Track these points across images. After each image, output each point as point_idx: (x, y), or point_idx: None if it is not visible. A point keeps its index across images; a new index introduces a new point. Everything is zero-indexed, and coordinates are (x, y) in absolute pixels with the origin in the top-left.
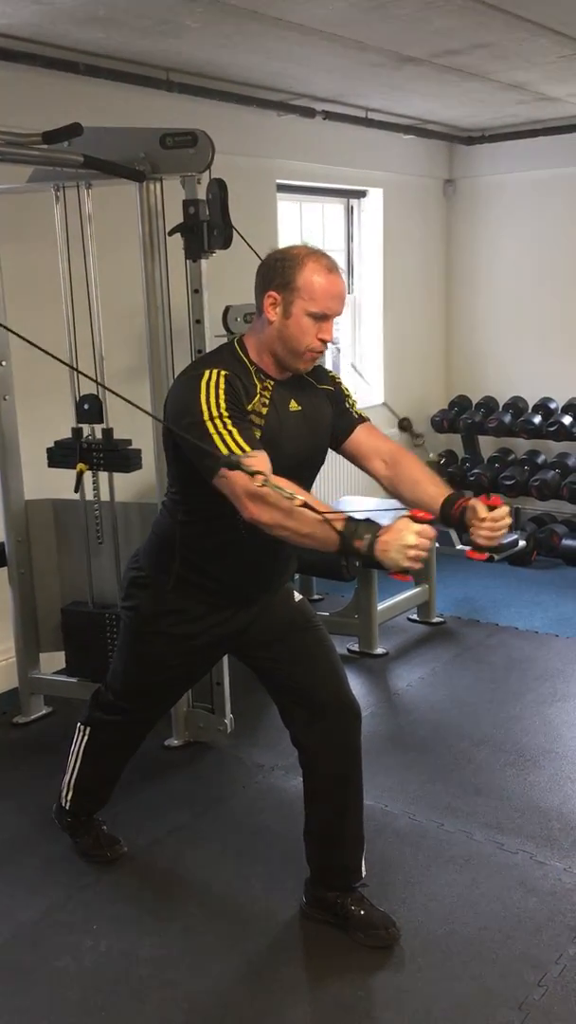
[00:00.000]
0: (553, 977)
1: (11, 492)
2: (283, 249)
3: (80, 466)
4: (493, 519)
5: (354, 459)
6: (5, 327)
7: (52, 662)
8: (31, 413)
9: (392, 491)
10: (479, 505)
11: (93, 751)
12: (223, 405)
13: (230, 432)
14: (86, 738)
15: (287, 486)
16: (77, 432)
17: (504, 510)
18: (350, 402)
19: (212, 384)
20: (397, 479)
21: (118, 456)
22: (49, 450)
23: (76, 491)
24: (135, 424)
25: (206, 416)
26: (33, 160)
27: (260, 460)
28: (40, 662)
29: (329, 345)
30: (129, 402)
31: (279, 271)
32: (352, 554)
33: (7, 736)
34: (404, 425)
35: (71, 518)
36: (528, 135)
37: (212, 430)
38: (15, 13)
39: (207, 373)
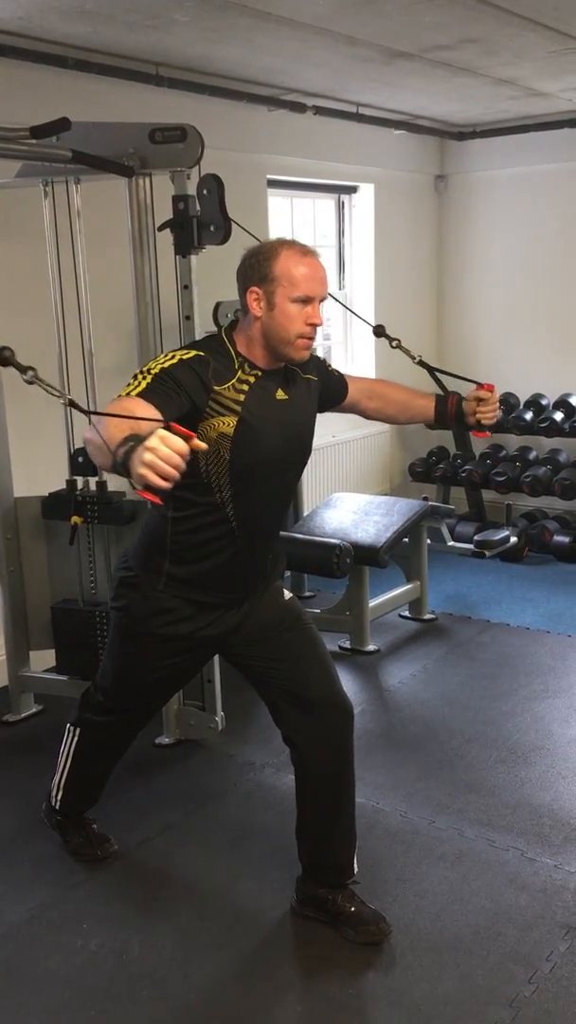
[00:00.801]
0: (544, 974)
1: (1, 490)
2: (256, 246)
3: (75, 519)
4: (492, 400)
5: (347, 408)
6: None
7: (42, 660)
8: (19, 409)
9: (382, 418)
10: (480, 392)
11: (83, 751)
12: (163, 367)
13: (138, 384)
14: (76, 739)
15: (117, 408)
16: (71, 484)
17: (495, 393)
18: (331, 368)
19: (176, 354)
20: (386, 406)
21: (112, 509)
22: (43, 501)
23: (71, 544)
24: None
25: (141, 368)
26: (21, 155)
27: (133, 403)
28: (30, 660)
29: (318, 329)
30: (129, 418)
31: (255, 266)
32: (121, 466)
33: None
34: (379, 331)
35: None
36: (519, 130)
37: (131, 380)
38: (2, 7)
39: (183, 349)
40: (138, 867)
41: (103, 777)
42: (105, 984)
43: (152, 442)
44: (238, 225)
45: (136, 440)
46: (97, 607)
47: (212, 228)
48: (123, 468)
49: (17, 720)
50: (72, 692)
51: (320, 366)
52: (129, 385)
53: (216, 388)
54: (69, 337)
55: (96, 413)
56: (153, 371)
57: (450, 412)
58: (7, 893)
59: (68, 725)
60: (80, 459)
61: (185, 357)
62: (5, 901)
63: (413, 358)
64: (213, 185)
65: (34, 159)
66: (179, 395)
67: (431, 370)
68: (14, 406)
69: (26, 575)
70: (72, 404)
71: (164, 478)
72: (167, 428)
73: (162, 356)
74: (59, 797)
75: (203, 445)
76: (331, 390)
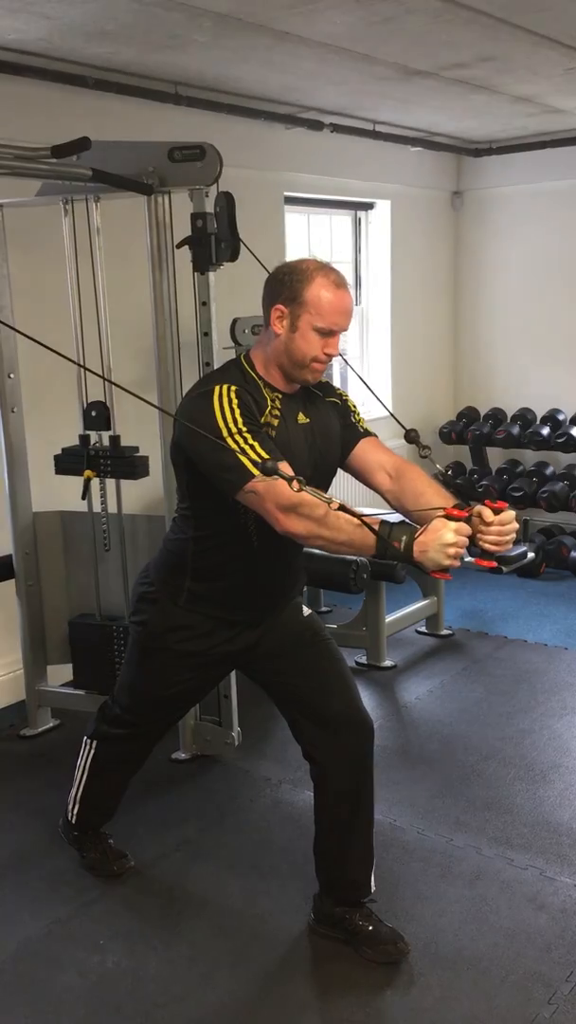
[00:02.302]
0: (563, 995)
1: (19, 504)
2: (291, 263)
3: (87, 473)
4: (500, 523)
5: (358, 474)
6: (14, 329)
7: (59, 674)
8: (39, 424)
9: (396, 504)
10: (485, 510)
11: (99, 765)
12: (240, 420)
13: (252, 446)
14: (92, 752)
15: (319, 492)
16: (84, 439)
17: (511, 514)
18: (356, 417)
19: (225, 399)
20: (401, 492)
21: (125, 463)
22: (56, 457)
23: (83, 498)
24: (142, 434)
25: (225, 432)
26: (42, 174)
27: (285, 469)
28: (47, 674)
29: (335, 358)
30: (139, 396)
31: (287, 285)
32: (390, 556)
33: (14, 748)
34: (411, 437)
35: (78, 530)
36: (536, 147)
37: (233, 445)
38: (25, 28)
39: (217, 389)
40: (154, 883)
41: (119, 791)
42: (121, 1001)
43: (449, 537)
44: (243, 244)
45: (406, 532)
46: (114, 621)
47: (223, 245)
48: (399, 558)
49: (34, 734)
50: (89, 706)
51: (345, 401)
52: (239, 454)
53: (262, 421)
54: (88, 353)
55: (352, 511)
56: (241, 427)
57: None
58: (24, 908)
59: (85, 738)
60: (93, 413)
61: (235, 400)
62: (22, 916)
63: (438, 476)
64: (224, 202)
65: (55, 178)
66: (264, 431)
67: (446, 484)
68: (28, 377)
69: (44, 590)
70: (342, 508)
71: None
72: (447, 516)
73: (218, 410)
74: (76, 811)
75: (470, 530)
76: (345, 430)
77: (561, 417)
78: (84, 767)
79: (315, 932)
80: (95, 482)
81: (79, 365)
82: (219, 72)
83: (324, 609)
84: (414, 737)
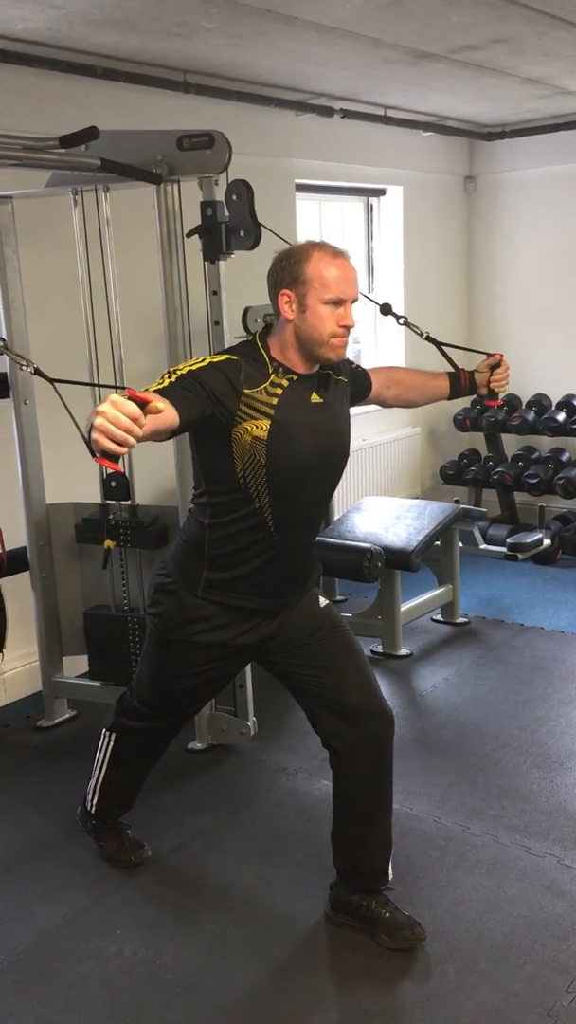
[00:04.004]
0: None
1: (33, 497)
2: (286, 249)
3: (108, 543)
4: (502, 368)
5: (373, 400)
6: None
7: (75, 666)
8: (52, 417)
9: (402, 403)
10: (490, 360)
11: (118, 756)
12: (190, 369)
13: (162, 382)
14: (111, 743)
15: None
16: (104, 509)
17: (504, 361)
18: (355, 365)
19: (206, 358)
20: (405, 392)
21: (145, 533)
22: (77, 527)
23: (104, 567)
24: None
25: (169, 368)
26: (51, 164)
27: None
28: (63, 666)
29: (350, 331)
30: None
31: (287, 269)
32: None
33: (31, 740)
34: (385, 308)
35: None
36: (549, 130)
37: (159, 378)
38: (32, 17)
39: (216, 355)
40: (171, 873)
41: (138, 782)
42: (138, 990)
43: (103, 407)
44: (268, 230)
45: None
46: (129, 613)
47: (242, 233)
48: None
49: (51, 726)
50: (105, 697)
51: (347, 366)
52: (155, 383)
53: (247, 391)
54: (99, 344)
55: (61, 381)
56: (180, 372)
57: (464, 385)
58: (42, 898)
59: (104, 730)
60: (113, 483)
61: (216, 360)
62: (40, 906)
63: (420, 334)
64: (243, 190)
65: (63, 168)
66: (202, 397)
67: (439, 345)
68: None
69: (59, 581)
70: (37, 372)
71: (119, 443)
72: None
73: (194, 359)
74: (94, 801)
75: (160, 407)
76: (358, 386)
77: None
78: (103, 758)
79: (332, 921)
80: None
81: (30, 369)
82: (228, 59)
83: (339, 598)
84: (430, 726)
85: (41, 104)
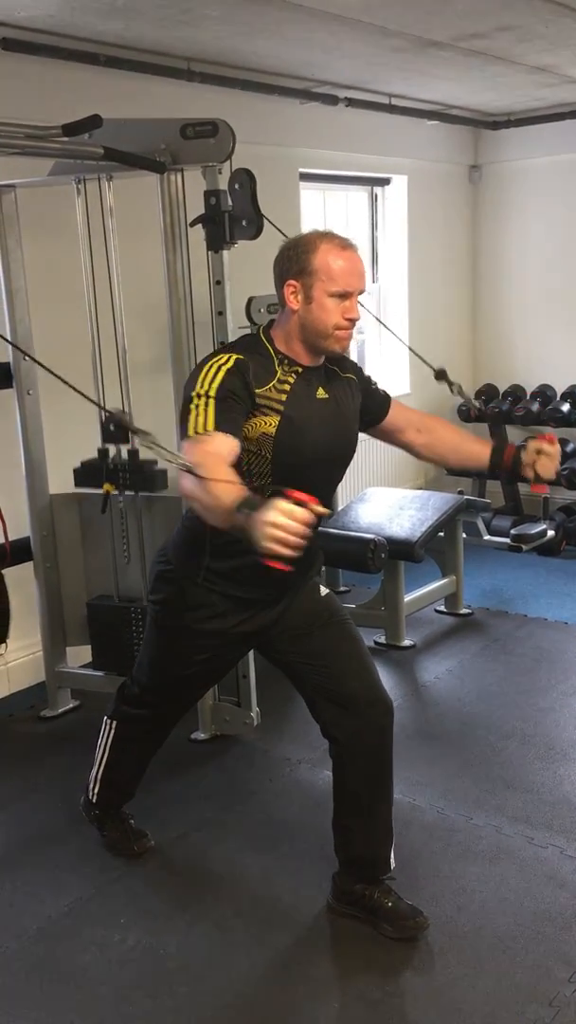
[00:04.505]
0: None
1: (36, 486)
2: (294, 238)
3: (107, 487)
4: (554, 449)
5: (389, 435)
6: (24, 353)
7: (78, 656)
8: (55, 407)
9: (432, 456)
10: (541, 443)
11: (120, 745)
12: (213, 385)
13: (205, 411)
14: (113, 732)
15: (215, 466)
16: (103, 453)
17: (556, 445)
18: (375, 384)
19: (216, 365)
20: (436, 443)
21: (144, 477)
22: (76, 471)
23: (103, 512)
24: (157, 414)
25: (195, 392)
26: (54, 153)
27: (217, 441)
28: (67, 656)
29: (356, 324)
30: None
31: (294, 259)
32: (237, 527)
33: (35, 730)
34: (440, 374)
35: (96, 512)
36: (555, 118)
37: (192, 407)
38: (35, 5)
39: (221, 356)
40: (174, 863)
41: (140, 770)
42: (141, 979)
43: (274, 516)
44: (268, 221)
45: (250, 506)
46: (132, 603)
47: (244, 223)
48: (244, 536)
49: (54, 716)
50: (108, 687)
51: (359, 372)
52: (192, 414)
53: (258, 391)
54: (102, 333)
55: (203, 477)
56: (210, 394)
57: (507, 463)
58: (45, 887)
59: (105, 718)
60: (111, 426)
61: (227, 366)
62: (43, 895)
63: (471, 407)
64: (245, 179)
65: (66, 157)
66: (238, 411)
67: (492, 422)
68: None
69: (62, 571)
70: (188, 470)
71: (292, 547)
72: (284, 496)
73: (205, 370)
74: (96, 791)
75: (325, 511)
76: (370, 404)
77: None
78: (105, 747)
79: (334, 911)
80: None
81: (97, 404)
82: (232, 47)
83: (343, 589)
84: (433, 716)
85: (44, 92)
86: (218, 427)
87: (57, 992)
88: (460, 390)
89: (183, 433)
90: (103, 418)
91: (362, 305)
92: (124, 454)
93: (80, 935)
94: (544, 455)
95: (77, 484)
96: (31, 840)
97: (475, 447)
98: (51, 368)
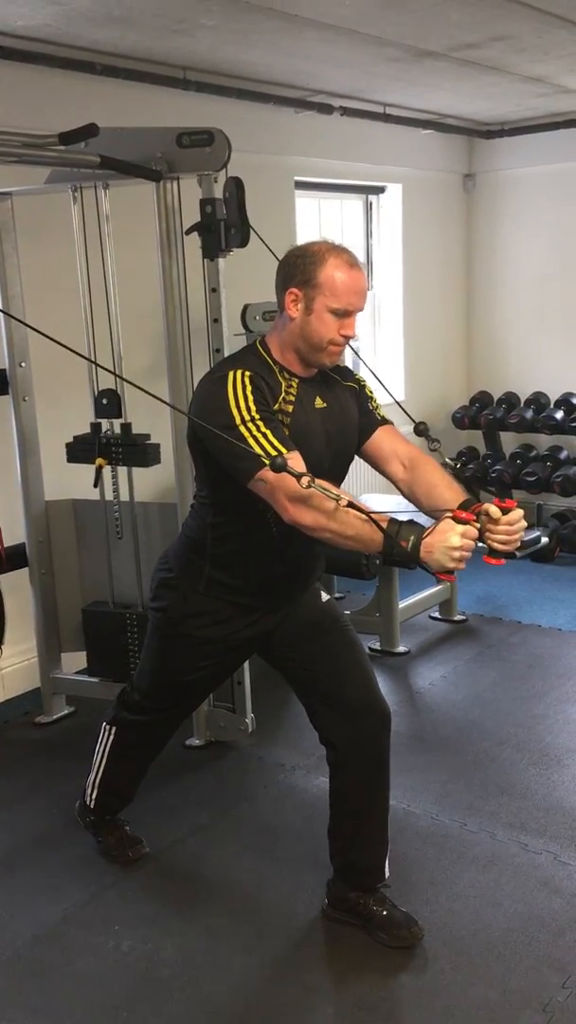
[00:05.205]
0: None
1: (31, 493)
2: (303, 245)
3: (99, 461)
4: (508, 522)
5: (373, 461)
6: (25, 324)
7: (74, 662)
8: (51, 414)
9: (408, 494)
10: (492, 508)
11: (118, 750)
12: (253, 408)
13: (264, 434)
14: (111, 737)
15: (329, 487)
16: (96, 427)
17: (519, 513)
18: (373, 404)
19: (239, 385)
20: (414, 482)
21: (137, 451)
22: (68, 445)
23: (95, 486)
24: (153, 421)
25: (238, 420)
26: (50, 161)
27: (296, 461)
28: (62, 662)
29: (350, 341)
30: (150, 394)
31: (300, 268)
32: (396, 555)
33: (30, 736)
34: (420, 430)
35: (91, 518)
36: (548, 128)
37: (246, 433)
38: (32, 14)
39: (231, 375)
40: (169, 869)
41: (138, 776)
42: (136, 985)
43: (455, 540)
44: (253, 231)
45: (413, 532)
46: (127, 609)
47: (232, 231)
48: (405, 557)
49: (49, 722)
50: (103, 694)
51: (362, 387)
52: (251, 441)
53: (275, 407)
54: (98, 341)
55: (368, 513)
56: (255, 416)
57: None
58: (40, 894)
59: (104, 724)
60: (104, 401)
61: (249, 387)
62: (38, 901)
63: (452, 465)
64: (233, 188)
65: (63, 165)
66: (277, 419)
67: (463, 480)
68: (40, 366)
69: (57, 577)
70: (369, 517)
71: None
72: (454, 519)
73: (231, 396)
74: (94, 796)
75: (477, 525)
76: (361, 421)
77: (575, 401)
78: (103, 753)
79: (329, 917)
80: (107, 470)
81: (89, 360)
82: (227, 56)
83: (337, 595)
84: (428, 723)
85: (40, 101)
86: (284, 445)
87: (51, 998)
88: (439, 448)
89: (238, 467)
90: (96, 392)
91: (400, 405)
92: (117, 428)
93: (75, 941)
94: (501, 527)
95: (69, 459)
96: (26, 846)
97: (446, 495)
98: (47, 375)
